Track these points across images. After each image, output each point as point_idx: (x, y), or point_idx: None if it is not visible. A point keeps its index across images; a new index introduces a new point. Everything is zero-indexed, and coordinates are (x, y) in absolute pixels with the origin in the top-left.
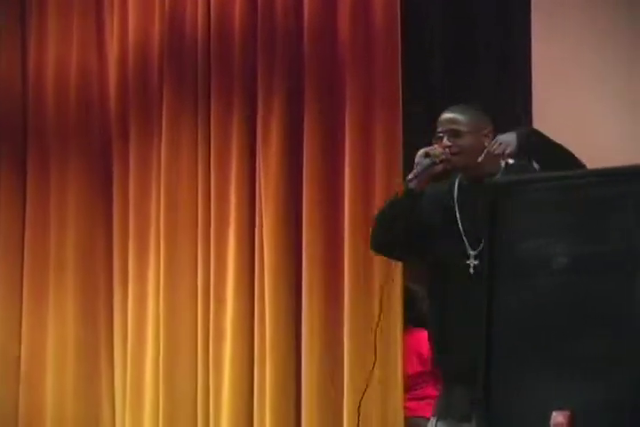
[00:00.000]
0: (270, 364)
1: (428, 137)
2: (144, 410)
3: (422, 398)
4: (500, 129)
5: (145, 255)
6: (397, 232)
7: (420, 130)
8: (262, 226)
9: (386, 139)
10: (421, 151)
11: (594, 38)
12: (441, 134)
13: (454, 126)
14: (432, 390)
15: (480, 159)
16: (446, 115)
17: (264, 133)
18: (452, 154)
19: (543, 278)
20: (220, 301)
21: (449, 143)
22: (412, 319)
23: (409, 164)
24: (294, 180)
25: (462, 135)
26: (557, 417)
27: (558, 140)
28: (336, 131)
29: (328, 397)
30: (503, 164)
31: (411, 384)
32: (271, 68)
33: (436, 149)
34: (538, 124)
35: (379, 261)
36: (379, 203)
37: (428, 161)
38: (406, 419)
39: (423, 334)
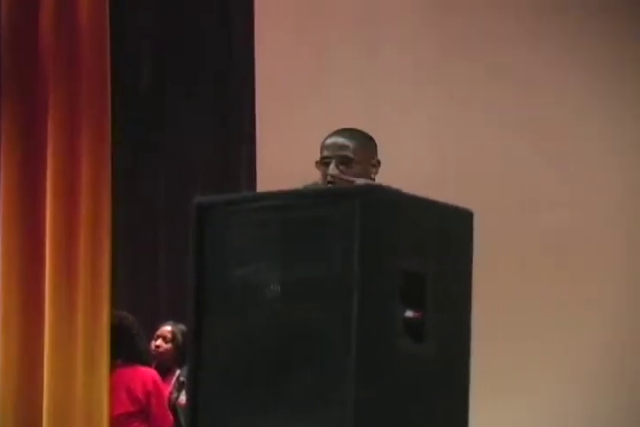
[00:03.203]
0: None
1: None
2: None
3: None
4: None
5: None
6: None
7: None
8: None
9: (92, 144)
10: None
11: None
12: (328, 160)
13: (344, 153)
14: None
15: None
16: (335, 138)
17: None
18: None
19: (256, 309)
20: None
21: (336, 171)
22: (124, 354)
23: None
24: None
25: (352, 163)
26: None
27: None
28: (37, 142)
29: None
30: None
31: (120, 425)
32: None
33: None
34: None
35: (83, 289)
36: (84, 214)
37: None
38: None
39: (135, 371)
